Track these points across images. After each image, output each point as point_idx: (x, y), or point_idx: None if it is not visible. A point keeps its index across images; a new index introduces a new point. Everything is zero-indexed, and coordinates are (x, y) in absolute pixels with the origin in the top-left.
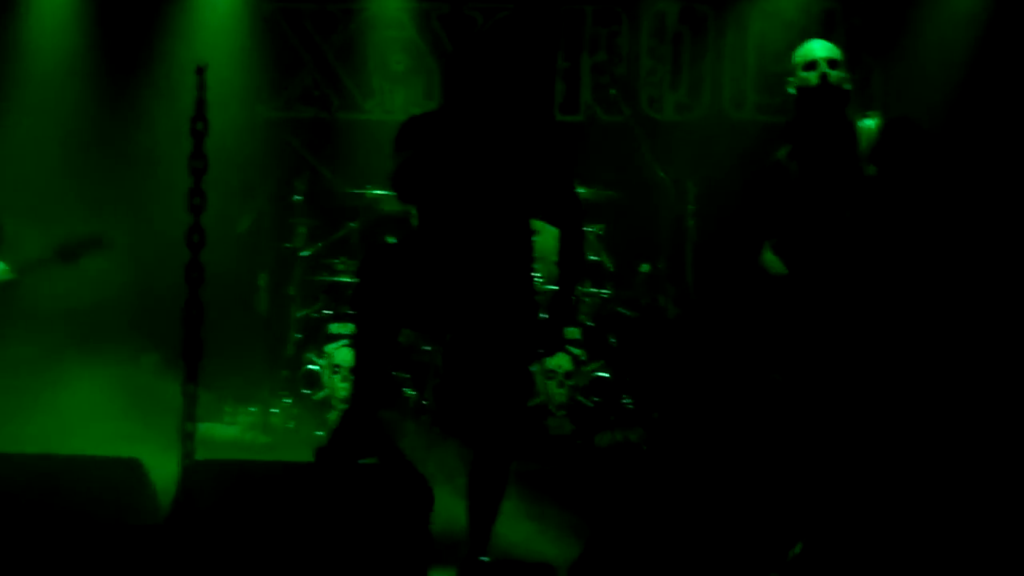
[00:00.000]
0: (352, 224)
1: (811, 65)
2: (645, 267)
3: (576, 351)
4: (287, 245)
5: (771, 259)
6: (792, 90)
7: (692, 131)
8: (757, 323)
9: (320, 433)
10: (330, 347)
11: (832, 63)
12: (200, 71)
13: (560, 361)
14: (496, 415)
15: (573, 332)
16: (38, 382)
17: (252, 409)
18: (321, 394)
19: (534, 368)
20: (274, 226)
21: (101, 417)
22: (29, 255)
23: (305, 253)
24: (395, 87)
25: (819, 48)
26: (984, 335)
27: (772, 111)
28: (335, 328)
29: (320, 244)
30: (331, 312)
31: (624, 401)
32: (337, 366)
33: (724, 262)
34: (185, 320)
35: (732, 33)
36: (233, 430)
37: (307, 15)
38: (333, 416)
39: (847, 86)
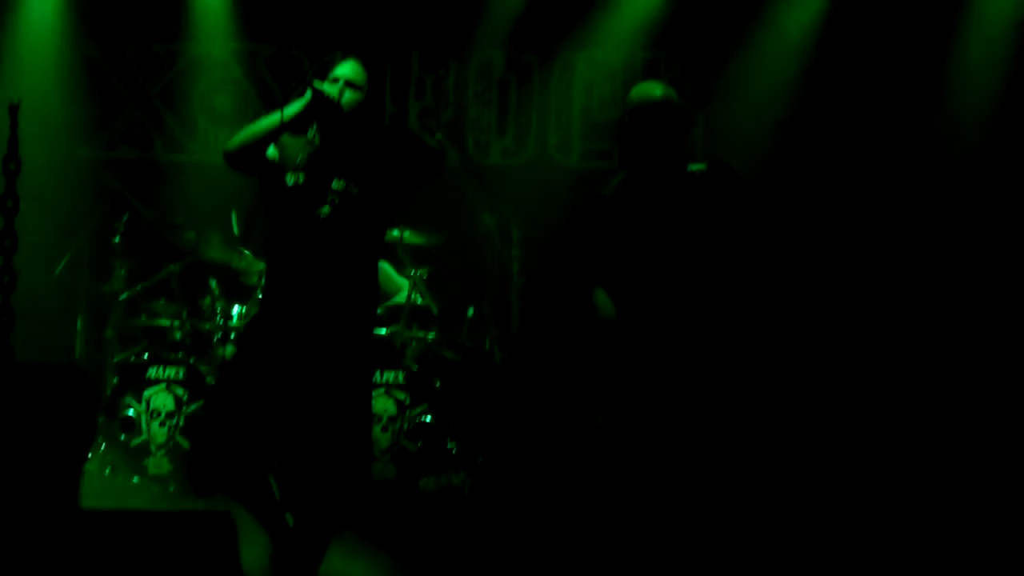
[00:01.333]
0: (172, 267)
1: (651, 97)
2: (470, 311)
3: (400, 395)
4: (106, 288)
5: (603, 300)
6: (627, 118)
7: (517, 176)
8: (582, 365)
9: (136, 479)
10: (148, 392)
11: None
12: (13, 109)
13: (385, 405)
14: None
15: (398, 376)
16: None
17: None
18: (138, 440)
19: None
20: (92, 268)
21: None
22: None
23: (124, 296)
24: (220, 128)
25: (658, 86)
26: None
27: (597, 157)
28: (154, 372)
29: (139, 286)
30: (149, 356)
31: (448, 445)
32: (156, 411)
33: (550, 303)
34: None
35: (558, 81)
36: None
37: (131, 56)
38: (152, 462)
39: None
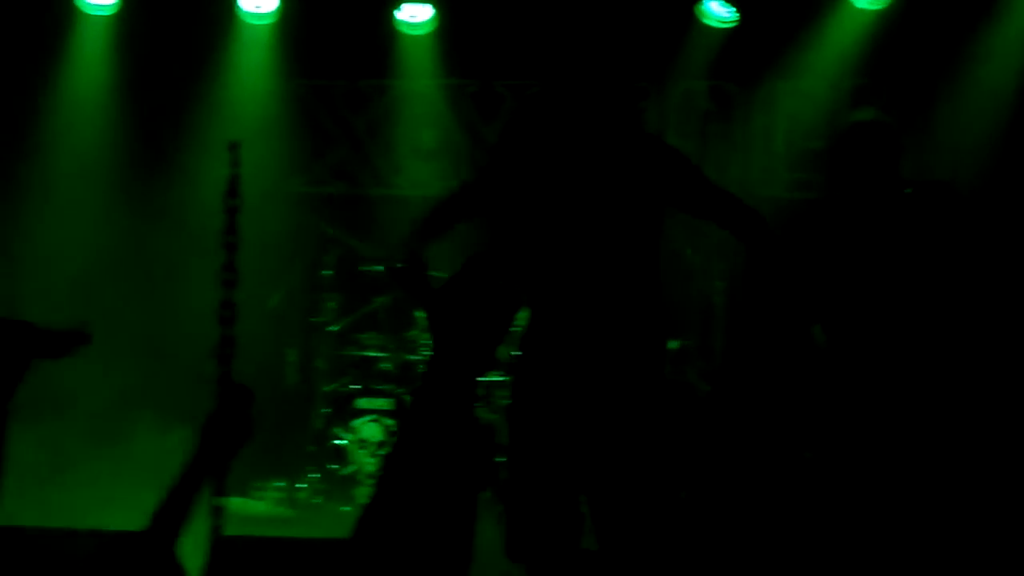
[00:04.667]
0: (381, 299)
1: (862, 119)
2: (675, 344)
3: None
4: (316, 320)
5: (819, 334)
6: (838, 141)
7: None
8: (791, 399)
9: (347, 509)
10: (357, 422)
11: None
12: (233, 147)
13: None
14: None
15: None
16: (68, 457)
17: (279, 484)
18: (348, 469)
19: None
20: (303, 301)
21: (128, 491)
22: None
23: (334, 328)
24: (424, 163)
25: (870, 110)
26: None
27: (802, 188)
28: (363, 403)
29: (349, 319)
30: (359, 387)
31: None
32: (364, 441)
33: (758, 336)
34: (217, 394)
35: (760, 111)
36: (260, 505)
37: (338, 92)
38: (361, 491)
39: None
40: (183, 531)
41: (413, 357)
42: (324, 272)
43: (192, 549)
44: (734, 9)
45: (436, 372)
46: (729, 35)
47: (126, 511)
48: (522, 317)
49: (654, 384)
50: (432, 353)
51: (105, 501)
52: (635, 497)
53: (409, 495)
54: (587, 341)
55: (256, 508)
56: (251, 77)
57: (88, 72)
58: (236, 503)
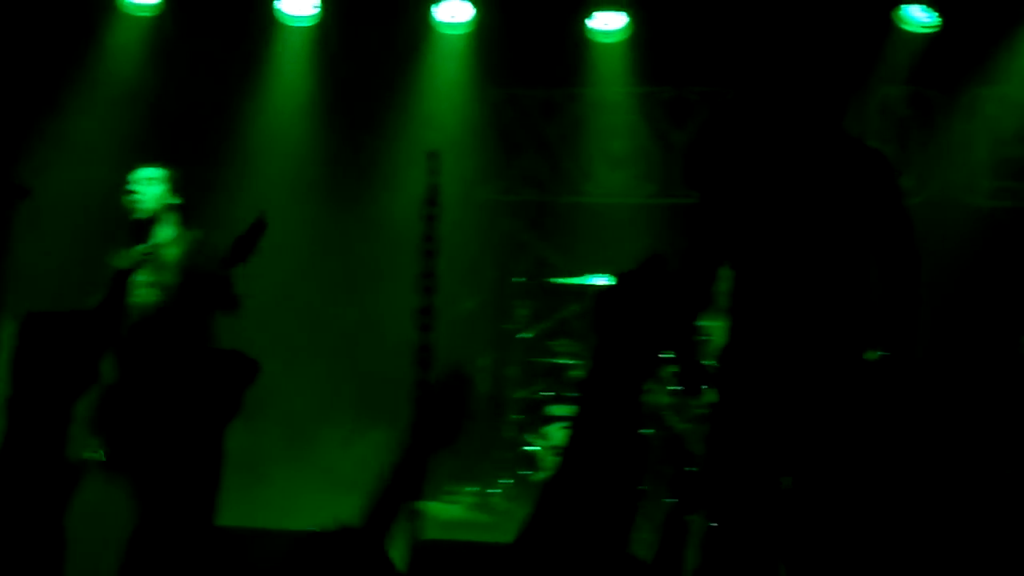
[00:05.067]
0: (573, 307)
1: None
2: (873, 354)
3: None
4: (508, 326)
5: None
6: None
7: (919, 215)
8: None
9: None
10: (549, 428)
11: None
12: (432, 156)
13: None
14: None
15: None
16: (265, 459)
17: (472, 489)
18: (540, 475)
19: None
20: (496, 308)
21: (326, 493)
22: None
23: (526, 335)
24: (615, 170)
25: None
26: None
27: (1007, 196)
28: (554, 410)
29: (541, 326)
30: (551, 394)
31: None
32: (556, 447)
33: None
34: (416, 400)
35: (962, 117)
36: (453, 509)
37: (531, 100)
38: None
39: None
40: (395, 529)
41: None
42: (516, 279)
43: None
44: (935, 14)
45: (600, 375)
46: (930, 40)
47: (318, 513)
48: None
49: (855, 398)
50: (595, 354)
51: (298, 503)
52: (840, 510)
53: (575, 499)
54: (790, 354)
55: (450, 513)
56: (446, 86)
57: (290, 82)
58: (431, 508)
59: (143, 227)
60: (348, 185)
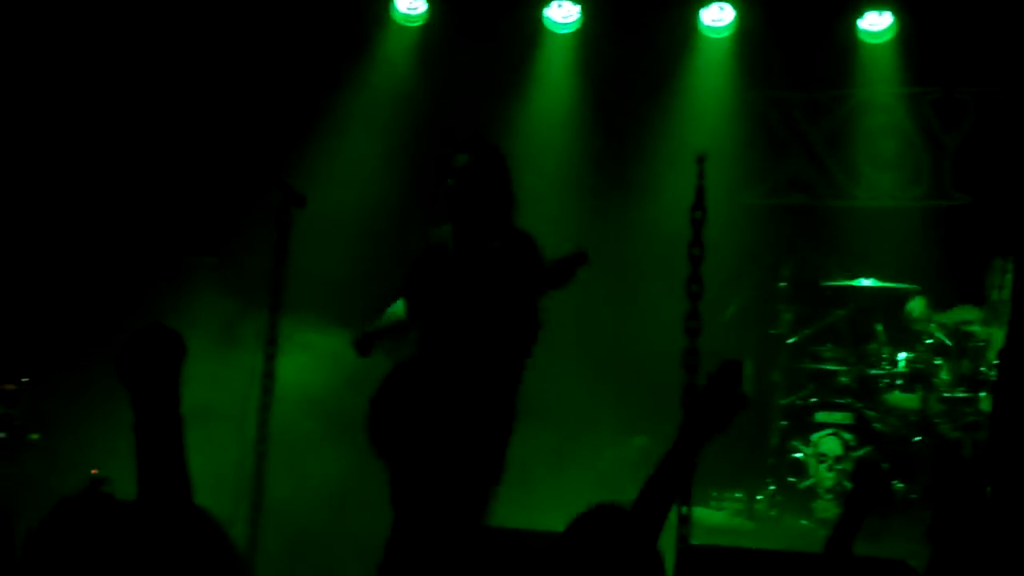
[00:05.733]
0: (839, 311)
1: None
2: None
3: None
4: (772, 331)
5: None
6: None
7: None
8: None
9: (804, 522)
10: (816, 436)
11: None
12: (701, 160)
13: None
14: None
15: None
16: (541, 461)
17: (737, 495)
18: (806, 483)
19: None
20: (759, 312)
21: (593, 496)
22: None
23: (791, 340)
24: (883, 173)
25: None
26: None
27: None
28: (821, 416)
29: (806, 331)
30: (817, 400)
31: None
32: (823, 455)
33: None
34: (684, 405)
35: None
36: (719, 515)
37: (795, 103)
38: (819, 505)
39: None
40: (665, 518)
41: (873, 371)
42: (781, 283)
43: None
44: None
45: None
46: None
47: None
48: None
49: None
50: None
51: (566, 505)
52: None
53: None
54: None
55: (714, 518)
56: (711, 89)
57: (556, 88)
58: (698, 513)
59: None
60: (613, 190)
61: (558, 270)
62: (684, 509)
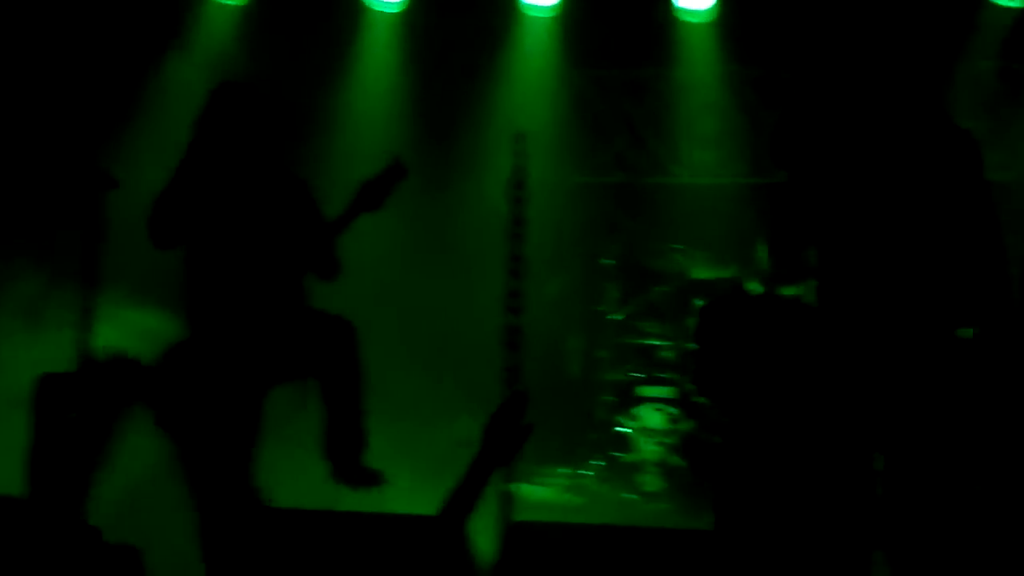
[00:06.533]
0: (662, 288)
1: None
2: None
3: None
4: (597, 308)
5: None
6: None
7: (1011, 191)
8: None
9: (631, 496)
10: (640, 410)
11: None
12: (519, 138)
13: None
14: None
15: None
16: None
17: (564, 471)
18: (631, 457)
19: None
20: (585, 289)
21: (414, 476)
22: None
23: (615, 316)
24: (705, 151)
25: None
26: None
27: None
28: (645, 391)
29: (630, 307)
30: (641, 375)
31: None
32: (647, 429)
33: None
34: (505, 383)
35: None
36: (546, 492)
37: (618, 82)
38: (645, 479)
39: None
40: (472, 518)
41: (694, 345)
42: (605, 261)
43: (483, 534)
44: None
45: None
46: (1020, 14)
47: (412, 498)
48: None
49: (944, 372)
50: None
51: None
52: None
53: None
54: (877, 331)
55: (541, 494)
56: (533, 69)
57: (377, 67)
58: (524, 490)
59: None
60: (436, 170)
61: (373, 188)
62: (508, 487)
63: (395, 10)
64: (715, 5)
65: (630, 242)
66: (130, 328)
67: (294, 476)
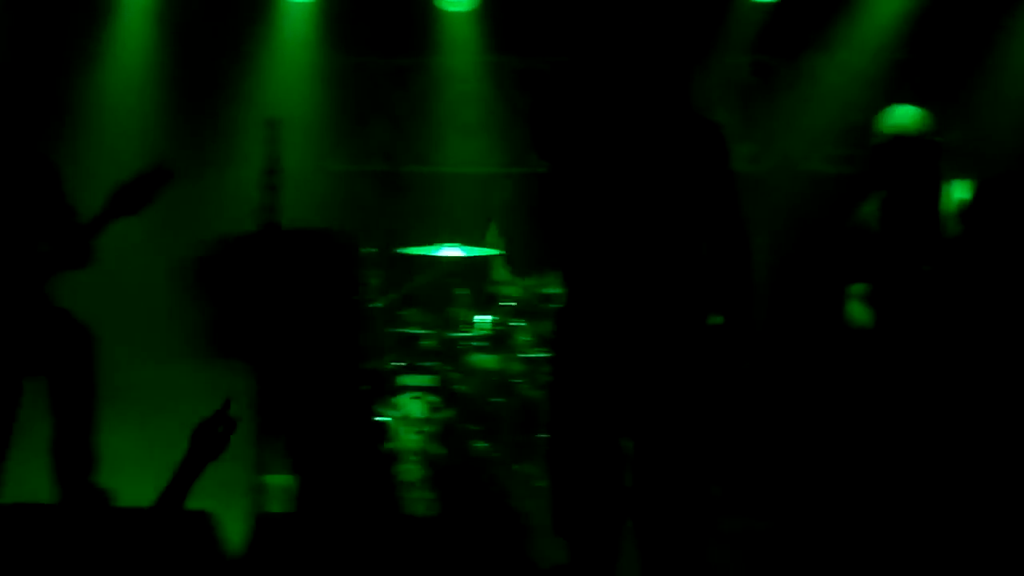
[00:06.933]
0: (423, 277)
1: (904, 131)
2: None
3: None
4: (358, 297)
5: (856, 310)
6: (879, 141)
7: (762, 182)
8: (832, 375)
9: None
10: (400, 399)
11: (913, 127)
12: (271, 125)
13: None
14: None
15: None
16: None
17: None
18: (390, 446)
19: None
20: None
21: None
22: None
23: (376, 305)
24: (466, 140)
25: (912, 116)
26: None
27: (844, 162)
28: (406, 380)
29: (391, 296)
30: (402, 364)
31: None
32: (407, 418)
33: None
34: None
35: (803, 85)
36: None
37: (379, 69)
38: (404, 468)
39: (938, 139)
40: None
41: (456, 334)
42: (366, 250)
43: (234, 525)
44: None
45: None
46: (772, 9)
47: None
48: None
49: (696, 359)
50: None
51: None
52: (676, 468)
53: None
54: (624, 315)
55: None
56: (293, 55)
57: (131, 50)
58: (276, 480)
59: None
60: (192, 158)
61: (130, 192)
62: (260, 477)
63: None
64: None
65: (391, 231)
66: None
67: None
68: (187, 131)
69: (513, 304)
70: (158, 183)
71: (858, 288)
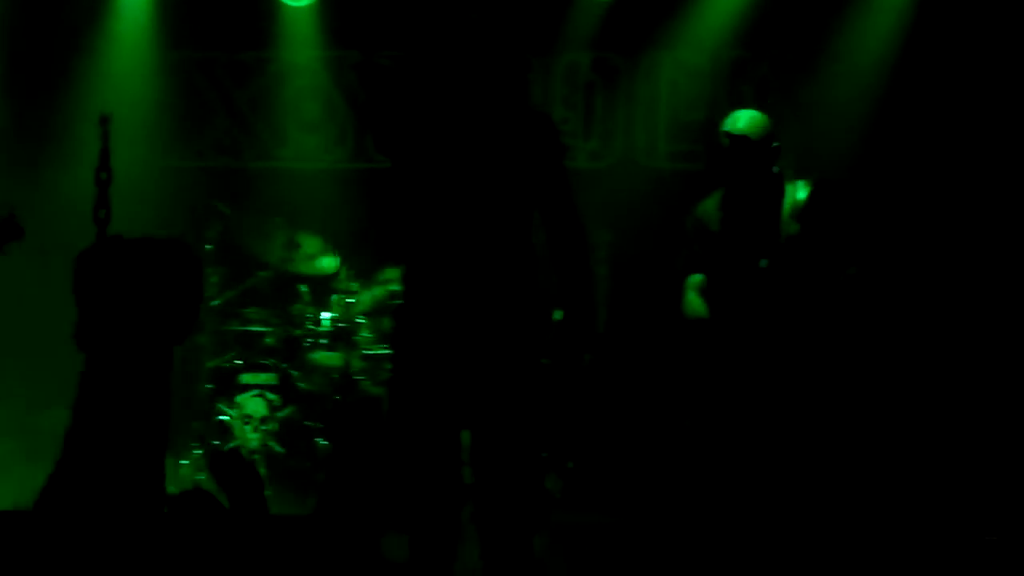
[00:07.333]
0: (263, 273)
1: (732, 131)
2: (557, 314)
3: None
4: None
5: (693, 301)
6: (725, 140)
7: (604, 179)
8: (671, 368)
9: None
10: (241, 397)
11: (755, 132)
12: (104, 121)
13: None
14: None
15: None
16: None
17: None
18: (232, 444)
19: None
20: None
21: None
22: None
23: (216, 302)
24: (308, 135)
25: (744, 119)
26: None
27: (684, 159)
28: (246, 378)
29: (231, 293)
30: (243, 362)
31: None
32: (248, 416)
33: (638, 306)
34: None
35: (644, 82)
36: None
37: (219, 64)
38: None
39: (775, 143)
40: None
41: (298, 332)
42: (205, 247)
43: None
44: None
45: None
46: (611, 6)
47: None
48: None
49: (533, 352)
50: None
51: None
52: (512, 459)
53: None
54: (459, 309)
55: None
56: (130, 49)
57: None
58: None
59: None
60: (25, 154)
61: None
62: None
63: None
64: None
65: (230, 227)
66: None
67: None
68: (23, 129)
69: (353, 301)
70: (5, 238)
71: (695, 279)
